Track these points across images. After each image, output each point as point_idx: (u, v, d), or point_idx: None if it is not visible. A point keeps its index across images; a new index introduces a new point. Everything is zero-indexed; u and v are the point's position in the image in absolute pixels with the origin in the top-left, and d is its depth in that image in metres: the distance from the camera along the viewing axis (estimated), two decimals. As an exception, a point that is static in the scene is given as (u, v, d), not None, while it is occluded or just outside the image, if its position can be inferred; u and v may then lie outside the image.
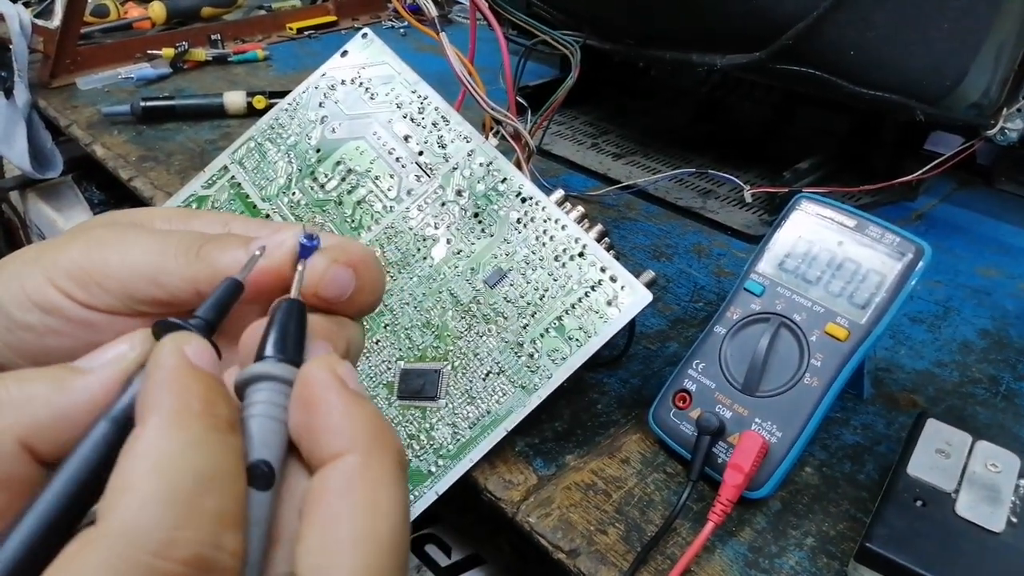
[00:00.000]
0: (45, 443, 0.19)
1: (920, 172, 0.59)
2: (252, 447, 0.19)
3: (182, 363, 0.19)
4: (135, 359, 0.20)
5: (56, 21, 0.84)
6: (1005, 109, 0.55)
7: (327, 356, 0.21)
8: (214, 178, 0.51)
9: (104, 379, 0.20)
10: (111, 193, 0.96)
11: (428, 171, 0.46)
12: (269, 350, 0.21)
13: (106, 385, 0.20)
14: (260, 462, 0.19)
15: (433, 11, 0.43)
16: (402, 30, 1.08)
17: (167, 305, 0.24)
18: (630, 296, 0.40)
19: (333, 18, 1.09)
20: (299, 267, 0.23)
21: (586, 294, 0.41)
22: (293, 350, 0.21)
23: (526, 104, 0.57)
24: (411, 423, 0.42)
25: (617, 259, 0.42)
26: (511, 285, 0.43)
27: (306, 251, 0.24)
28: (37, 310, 0.24)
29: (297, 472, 0.20)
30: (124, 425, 0.18)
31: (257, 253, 0.23)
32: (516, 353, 0.41)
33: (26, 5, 0.90)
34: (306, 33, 1.06)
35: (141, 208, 0.26)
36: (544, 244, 0.43)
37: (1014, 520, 0.33)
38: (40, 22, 0.86)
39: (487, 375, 0.41)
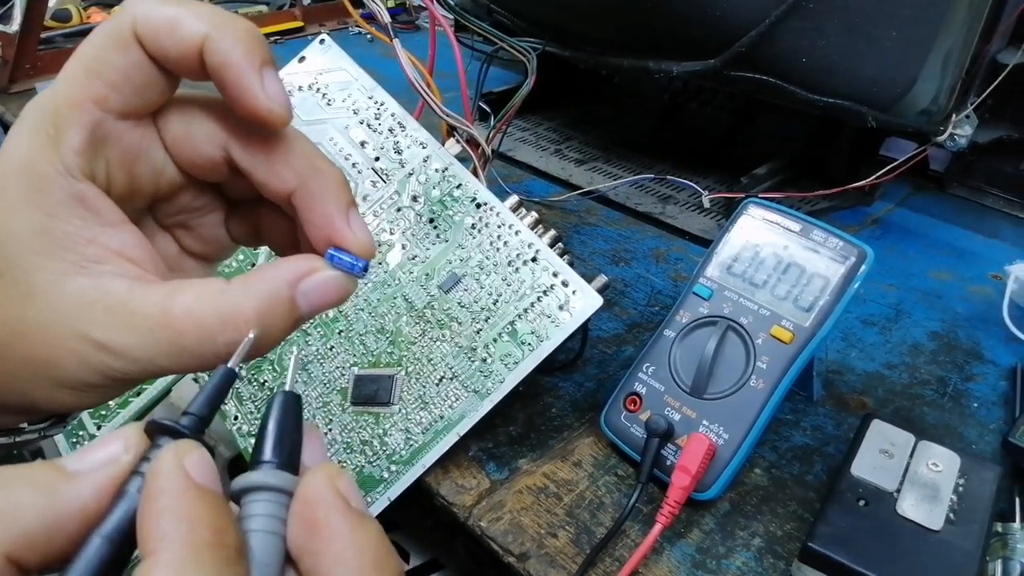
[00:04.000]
0: (33, 555, 0.18)
1: (874, 177, 0.60)
2: (252, 565, 0.18)
3: (186, 484, 0.18)
4: (128, 463, 0.19)
5: (15, 26, 0.83)
6: (954, 115, 0.56)
7: (327, 467, 0.20)
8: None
9: (96, 485, 0.19)
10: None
11: (384, 177, 0.46)
12: (267, 454, 0.20)
13: (98, 492, 0.19)
14: None
15: (385, 17, 0.43)
16: (369, 36, 1.08)
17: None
18: (582, 300, 0.41)
19: (299, 24, 1.09)
20: (293, 353, 0.23)
21: (539, 299, 0.41)
22: (290, 453, 0.21)
23: (489, 110, 0.58)
24: (364, 429, 0.42)
25: (572, 264, 0.42)
26: (465, 290, 0.43)
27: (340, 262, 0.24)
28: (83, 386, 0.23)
29: None
30: (120, 544, 0.18)
31: (250, 337, 0.22)
32: (469, 358, 0.41)
33: (-15, 9, 0.89)
34: (272, 39, 1.06)
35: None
36: (498, 249, 0.43)
37: (952, 518, 0.34)
38: (-1, 27, 0.85)
39: (440, 380, 0.42)
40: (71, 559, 0.18)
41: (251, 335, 0.22)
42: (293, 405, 0.22)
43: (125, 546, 0.18)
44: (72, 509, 0.18)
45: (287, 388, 0.22)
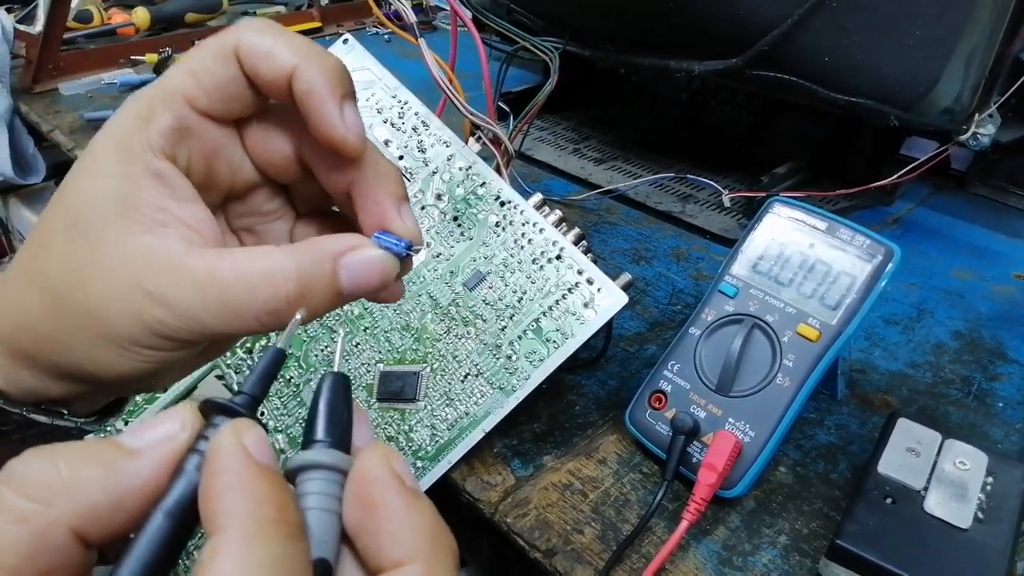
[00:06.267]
0: (97, 530, 0.18)
1: (895, 176, 0.60)
2: (311, 542, 0.19)
3: (247, 462, 0.18)
4: (185, 441, 0.19)
5: (39, 26, 0.84)
6: (977, 115, 0.56)
7: (379, 447, 0.21)
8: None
9: (155, 462, 0.19)
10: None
11: (408, 175, 0.47)
12: (320, 434, 0.21)
13: (158, 469, 0.19)
14: (320, 561, 0.19)
15: (411, 16, 0.43)
16: (387, 36, 1.08)
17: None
18: (606, 298, 0.41)
19: (317, 24, 1.10)
20: (340, 334, 0.24)
21: (563, 296, 0.41)
22: (342, 433, 0.21)
23: (508, 110, 0.58)
24: (390, 425, 0.42)
25: (595, 262, 0.42)
26: (489, 288, 0.43)
27: (385, 242, 0.25)
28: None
29: (348, 562, 0.20)
30: (181, 520, 0.18)
31: (298, 317, 0.23)
32: (494, 355, 0.42)
33: (8, 10, 0.90)
34: (291, 39, 1.06)
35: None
36: (522, 247, 0.43)
37: (981, 516, 0.34)
38: (22, 27, 0.86)
39: (465, 377, 0.42)
40: (133, 534, 0.18)
41: (298, 315, 0.23)
42: (343, 385, 0.22)
43: (186, 522, 0.18)
44: (133, 485, 0.19)
45: (336, 369, 0.22)
